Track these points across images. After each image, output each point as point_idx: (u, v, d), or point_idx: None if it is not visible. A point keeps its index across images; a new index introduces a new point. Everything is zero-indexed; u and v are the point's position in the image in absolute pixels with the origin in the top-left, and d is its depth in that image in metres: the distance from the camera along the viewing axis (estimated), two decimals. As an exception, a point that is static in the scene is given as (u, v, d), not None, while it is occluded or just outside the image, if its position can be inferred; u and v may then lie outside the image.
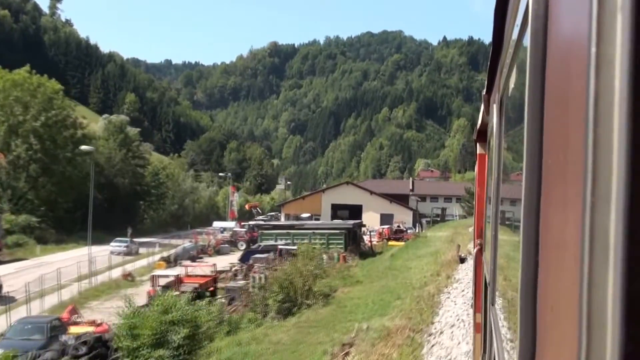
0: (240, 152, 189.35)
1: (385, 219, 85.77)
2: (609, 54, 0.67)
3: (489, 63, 3.50)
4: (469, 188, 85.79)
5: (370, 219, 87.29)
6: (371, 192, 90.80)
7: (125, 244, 60.85)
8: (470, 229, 40.38)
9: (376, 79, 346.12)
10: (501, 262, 2.63)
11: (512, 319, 1.73)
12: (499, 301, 2.70)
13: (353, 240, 55.50)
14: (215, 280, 38.72)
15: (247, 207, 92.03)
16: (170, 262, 50.76)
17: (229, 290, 35.46)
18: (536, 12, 1.29)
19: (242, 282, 36.72)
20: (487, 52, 3.46)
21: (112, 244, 60.54)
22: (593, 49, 0.69)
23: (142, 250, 60.81)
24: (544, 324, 1.15)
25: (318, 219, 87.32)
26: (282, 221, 71.86)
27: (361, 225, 60.90)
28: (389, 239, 69.15)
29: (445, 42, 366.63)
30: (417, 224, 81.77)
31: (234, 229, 66.22)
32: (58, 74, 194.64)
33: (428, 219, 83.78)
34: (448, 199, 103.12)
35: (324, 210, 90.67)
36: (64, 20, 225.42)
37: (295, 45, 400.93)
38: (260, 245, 48.72)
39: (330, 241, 50.85)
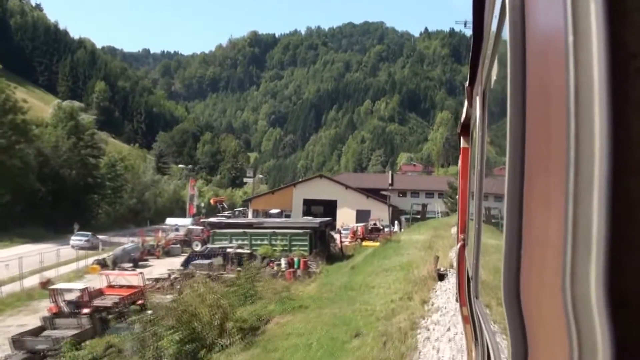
0: (215, 145, 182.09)
1: (362, 215, 79.29)
2: (586, 45, 0.67)
3: (470, 54, 3.48)
4: (452, 182, 79.46)
5: (346, 216, 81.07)
6: (346, 187, 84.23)
7: (86, 238, 56.84)
8: (453, 230, 33.72)
9: (358, 70, 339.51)
10: (484, 257, 2.63)
11: (498, 311, 1.75)
12: (483, 295, 2.70)
13: (321, 241, 48.91)
14: (142, 292, 31.69)
15: (212, 202, 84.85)
16: (106, 265, 43.75)
17: (155, 307, 28.66)
18: (513, 4, 1.28)
19: (172, 296, 30.07)
20: (469, 44, 3.40)
21: (72, 237, 56.69)
22: (570, 40, 0.70)
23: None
24: (531, 317, 1.15)
25: (289, 216, 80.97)
26: (243, 218, 64.81)
27: (331, 223, 54.05)
28: (363, 239, 62.80)
29: (427, 34, 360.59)
30: (395, 222, 75.28)
31: (189, 227, 59.01)
32: (24, 60, 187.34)
33: (407, 216, 77.11)
34: (430, 194, 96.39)
35: (296, 205, 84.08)
36: (33, 4, 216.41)
37: (276, 35, 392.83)
38: (207, 248, 41.69)
39: (294, 243, 44.19)
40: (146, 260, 48.32)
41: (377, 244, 56.29)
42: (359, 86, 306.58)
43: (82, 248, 52.78)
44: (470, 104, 4.39)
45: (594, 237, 0.64)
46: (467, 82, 4.28)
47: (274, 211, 78.16)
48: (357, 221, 75.49)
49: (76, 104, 78.86)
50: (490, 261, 2.23)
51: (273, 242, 43.92)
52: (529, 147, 1.18)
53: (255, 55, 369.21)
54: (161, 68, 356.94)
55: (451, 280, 21.01)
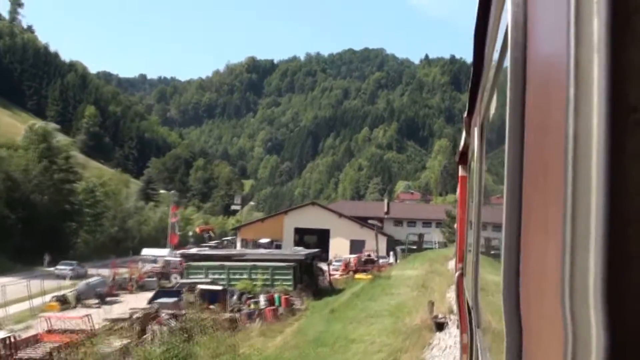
0: (208, 171, 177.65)
1: (356, 245, 74.81)
2: (587, 92, 0.68)
3: (469, 85, 3.50)
4: (449, 211, 75.23)
5: (339, 246, 76.74)
6: (340, 215, 79.73)
7: (71, 267, 54.27)
8: (452, 264, 29.11)
9: (357, 97, 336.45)
10: (483, 287, 2.64)
11: (497, 342, 1.76)
12: (483, 325, 2.69)
13: (308, 274, 44.55)
14: (91, 336, 26.99)
15: (198, 230, 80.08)
16: (67, 302, 39.15)
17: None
18: (515, 39, 1.26)
19: (126, 342, 25.48)
20: (470, 72, 3.44)
21: (57, 266, 54.23)
22: (572, 89, 0.70)
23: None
24: (530, 348, 1.16)
25: (279, 246, 76.60)
26: (227, 249, 60.13)
27: (319, 255, 49.55)
28: (355, 271, 58.48)
29: (427, 61, 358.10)
30: (390, 252, 70.78)
31: (167, 258, 54.18)
32: (12, 83, 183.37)
33: (403, 247, 72.54)
34: (427, 223, 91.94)
35: (287, 234, 79.61)
36: (25, 26, 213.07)
37: (274, 61, 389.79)
38: (178, 283, 36.98)
39: (276, 277, 39.75)
40: (116, 295, 43.52)
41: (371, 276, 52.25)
42: (357, 113, 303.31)
43: (65, 277, 49.58)
44: (469, 134, 4.52)
45: (591, 268, 0.66)
46: (466, 112, 4.34)
47: (263, 241, 73.62)
48: (351, 251, 71.40)
49: (51, 125, 74.51)
50: (489, 291, 2.22)
51: (253, 276, 39.54)
52: (527, 178, 1.18)
53: (253, 81, 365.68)
54: (156, 94, 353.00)
55: (453, 332, 16.62)
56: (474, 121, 3.59)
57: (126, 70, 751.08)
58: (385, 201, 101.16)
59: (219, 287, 32.80)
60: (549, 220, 0.87)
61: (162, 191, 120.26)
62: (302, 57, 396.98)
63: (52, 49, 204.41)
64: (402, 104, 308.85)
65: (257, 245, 72.81)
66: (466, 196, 5.40)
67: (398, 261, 63.93)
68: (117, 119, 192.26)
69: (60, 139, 72.07)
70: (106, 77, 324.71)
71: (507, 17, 1.35)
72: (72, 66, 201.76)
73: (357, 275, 54.64)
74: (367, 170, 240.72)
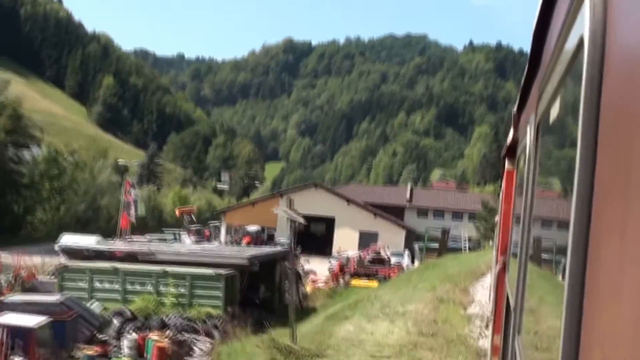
0: (228, 149, 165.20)
1: (366, 238, 61.10)
2: None
3: (522, 81, 3.35)
4: (487, 201, 60.90)
5: (346, 238, 63.20)
6: (348, 201, 65.89)
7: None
8: (482, 292, 19.72)
9: (395, 82, 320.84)
10: (530, 290, 2.47)
11: (545, 353, 1.67)
12: (525, 332, 2.48)
13: (268, 284, 31.18)
14: None
15: (177, 212, 66.69)
16: None
17: None
18: (593, 41, 1.09)
19: None
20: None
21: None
22: None
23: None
24: None
25: (272, 235, 63.30)
26: (171, 242, 46.86)
27: (284, 256, 35.34)
28: (354, 275, 44.77)
29: (471, 47, 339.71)
30: (406, 251, 56.90)
31: (93, 248, 40.44)
32: (32, 51, 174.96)
33: (422, 245, 58.42)
34: (457, 215, 77.15)
35: (282, 221, 66.04)
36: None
37: (312, 43, 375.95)
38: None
39: (197, 291, 25.79)
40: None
41: (375, 283, 38.76)
42: (395, 98, 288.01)
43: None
44: (517, 130, 4.44)
45: None
46: (516, 108, 4.23)
47: (251, 228, 59.92)
48: (360, 246, 57.84)
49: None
50: (537, 295, 2.15)
51: (161, 289, 25.70)
52: (599, 185, 1.06)
53: (289, 62, 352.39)
54: (191, 72, 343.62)
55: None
56: (525, 118, 3.39)
57: (164, 49, 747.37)
58: (409, 186, 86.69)
59: (38, 321, 18.14)
60: (627, 226, 0.79)
61: (168, 164, 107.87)
62: (342, 41, 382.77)
63: (76, 19, 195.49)
64: (442, 89, 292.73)
65: (244, 233, 59.70)
66: (512, 190, 5.03)
67: (413, 264, 50.27)
68: (138, 91, 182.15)
69: (9, 93, 59.53)
70: (143, 54, 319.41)
71: (584, 15, 1.15)
72: (95, 37, 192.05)
73: (355, 282, 40.93)
74: (402, 156, 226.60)
